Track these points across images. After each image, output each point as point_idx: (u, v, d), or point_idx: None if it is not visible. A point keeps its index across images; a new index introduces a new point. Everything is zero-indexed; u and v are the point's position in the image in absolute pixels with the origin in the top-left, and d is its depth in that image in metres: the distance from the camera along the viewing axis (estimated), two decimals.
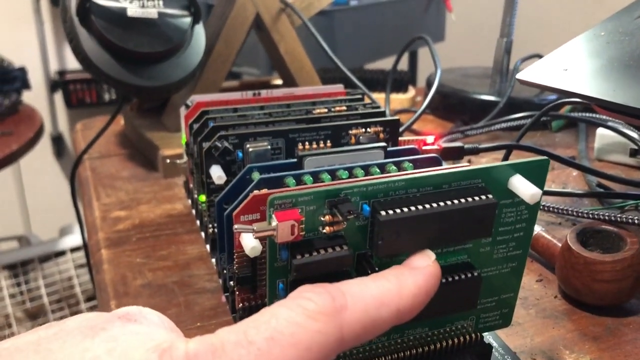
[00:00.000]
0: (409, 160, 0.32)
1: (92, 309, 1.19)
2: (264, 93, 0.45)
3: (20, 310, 1.13)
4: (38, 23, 1.69)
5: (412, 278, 0.22)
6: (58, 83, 1.74)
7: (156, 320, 0.20)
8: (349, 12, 0.99)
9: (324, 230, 0.23)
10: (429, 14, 1.19)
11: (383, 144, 0.34)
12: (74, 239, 1.25)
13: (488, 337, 0.30)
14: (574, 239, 0.34)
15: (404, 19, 1.13)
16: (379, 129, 0.38)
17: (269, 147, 0.36)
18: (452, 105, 0.68)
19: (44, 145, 1.76)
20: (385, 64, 1.01)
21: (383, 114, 0.40)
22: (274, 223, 0.22)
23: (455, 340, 0.28)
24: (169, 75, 0.50)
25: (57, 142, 1.85)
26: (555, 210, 0.42)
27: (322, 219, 0.23)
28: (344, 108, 0.41)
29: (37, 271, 1.16)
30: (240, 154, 0.36)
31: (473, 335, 0.28)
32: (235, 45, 0.56)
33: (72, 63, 1.79)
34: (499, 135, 0.63)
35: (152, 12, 0.49)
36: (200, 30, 0.52)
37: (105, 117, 0.70)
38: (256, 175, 0.32)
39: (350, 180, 0.28)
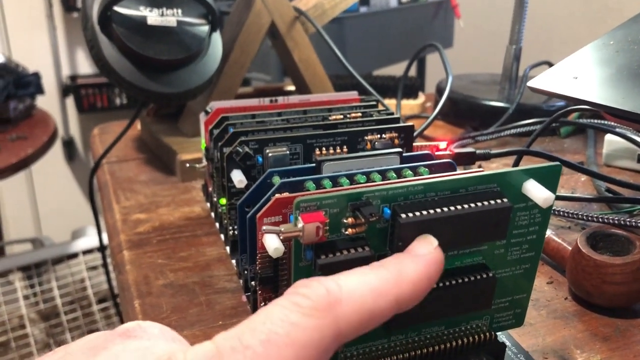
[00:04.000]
0: (425, 166, 0.33)
1: (104, 310, 1.20)
2: (281, 100, 0.46)
3: (34, 311, 1.14)
4: (51, 29, 1.72)
5: (413, 266, 0.22)
6: (70, 88, 1.77)
7: (156, 332, 0.21)
8: (359, 19, 1.00)
9: (347, 232, 0.24)
10: (437, 21, 1.20)
11: (399, 149, 0.35)
12: (87, 241, 1.26)
13: (501, 336, 0.31)
14: (584, 242, 0.35)
15: (412, 25, 1.15)
16: (394, 134, 0.40)
17: (288, 152, 0.37)
18: (462, 111, 0.69)
19: (56, 150, 1.78)
20: (393, 70, 1.02)
21: (398, 120, 0.41)
22: (300, 225, 0.23)
23: (470, 339, 0.29)
24: (187, 82, 0.51)
25: (69, 146, 1.87)
26: (566, 214, 0.43)
27: (345, 221, 0.24)
28: (359, 114, 0.42)
29: (50, 273, 1.18)
30: (260, 159, 0.37)
31: (487, 334, 0.29)
32: (250, 53, 0.57)
33: (84, 68, 1.82)
34: (509, 141, 0.64)
35: (171, 21, 0.50)
36: (217, 38, 0.54)
37: (121, 122, 0.71)
38: (277, 180, 0.33)
39: (370, 184, 0.29)
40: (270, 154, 0.37)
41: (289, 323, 0.18)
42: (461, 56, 1.25)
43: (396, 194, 0.25)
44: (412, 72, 1.40)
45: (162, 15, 0.50)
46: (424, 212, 0.24)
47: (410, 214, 0.24)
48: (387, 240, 0.25)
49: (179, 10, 0.51)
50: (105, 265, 0.78)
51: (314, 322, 0.18)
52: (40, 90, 1.22)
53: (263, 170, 0.37)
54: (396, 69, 1.04)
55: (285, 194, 0.30)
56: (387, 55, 1.08)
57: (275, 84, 0.77)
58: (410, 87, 0.73)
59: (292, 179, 0.31)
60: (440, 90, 0.73)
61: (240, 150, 0.36)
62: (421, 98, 0.75)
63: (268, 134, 0.38)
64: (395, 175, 0.32)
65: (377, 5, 1.03)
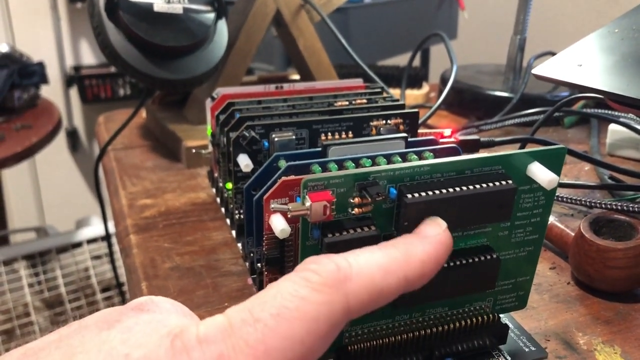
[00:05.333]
0: (430, 150, 0.33)
1: (107, 299, 1.21)
2: (286, 86, 0.46)
3: (39, 300, 1.15)
4: (55, 19, 1.72)
5: (422, 246, 0.22)
6: (73, 78, 1.77)
7: (168, 307, 0.21)
8: (364, 9, 1.00)
9: (353, 212, 0.25)
10: (441, 12, 1.20)
11: (404, 134, 0.35)
12: (91, 230, 1.27)
13: (504, 318, 0.31)
14: (587, 228, 0.36)
15: (416, 16, 1.15)
16: (399, 120, 0.40)
17: (294, 137, 0.37)
18: (467, 101, 0.70)
19: (59, 140, 1.79)
20: (397, 61, 1.02)
21: (403, 106, 0.41)
22: (308, 203, 0.23)
23: (474, 320, 0.29)
24: (193, 69, 0.51)
25: (72, 136, 1.87)
26: (569, 200, 0.43)
27: (352, 200, 0.24)
28: (365, 101, 0.43)
29: (54, 262, 1.19)
30: (267, 144, 0.38)
31: (490, 315, 0.30)
32: (255, 41, 0.57)
33: (88, 58, 1.82)
34: (513, 130, 0.64)
35: (177, 8, 0.50)
36: (223, 26, 0.54)
37: (126, 110, 0.71)
38: (283, 163, 0.34)
39: (378, 167, 0.29)
40: (276, 139, 0.37)
41: (299, 297, 0.18)
42: (465, 47, 1.25)
43: (402, 174, 0.25)
44: (416, 62, 1.40)
45: (169, 2, 0.50)
46: (430, 193, 0.25)
47: (416, 194, 0.24)
48: (393, 220, 0.26)
49: None
50: (110, 253, 0.78)
51: (323, 297, 0.19)
52: (44, 79, 1.22)
53: (269, 154, 0.38)
54: (400, 60, 1.04)
55: (292, 177, 0.31)
56: (391, 45, 1.08)
57: (279, 73, 0.77)
58: (415, 77, 0.74)
59: (298, 162, 0.31)
60: (444, 80, 0.73)
61: (247, 134, 0.37)
62: (425, 88, 0.75)
63: (274, 119, 0.39)
64: (400, 160, 0.32)
65: None
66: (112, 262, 0.74)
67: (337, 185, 0.24)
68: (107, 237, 0.79)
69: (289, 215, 0.24)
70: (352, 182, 0.24)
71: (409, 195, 0.24)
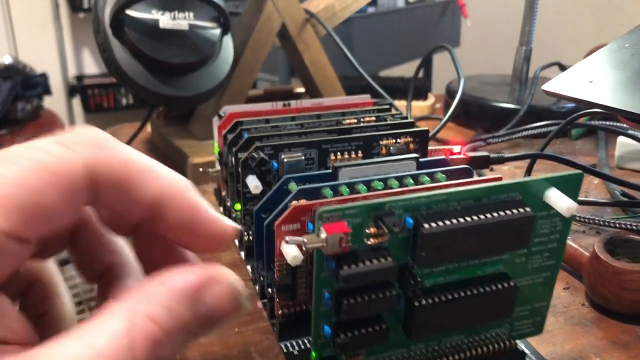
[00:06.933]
0: (442, 172, 0.33)
1: None
2: (294, 104, 0.46)
3: None
4: (57, 29, 1.72)
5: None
6: (76, 88, 1.77)
7: (74, 139, 0.19)
8: (367, 19, 1.00)
9: (369, 242, 0.24)
10: (444, 20, 1.20)
11: (415, 155, 0.35)
12: None
13: (520, 344, 0.31)
14: (602, 248, 0.35)
15: (419, 25, 1.14)
16: (409, 139, 0.39)
17: (303, 157, 0.37)
18: (473, 113, 0.69)
19: None
20: (399, 70, 1.02)
21: (412, 124, 0.41)
22: (323, 235, 0.23)
23: (490, 347, 0.29)
24: (199, 85, 0.51)
25: None
26: (582, 219, 0.43)
27: (367, 231, 0.24)
28: (373, 118, 0.42)
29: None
30: (276, 165, 0.37)
31: (507, 342, 0.29)
32: (261, 55, 0.57)
33: (90, 68, 1.82)
34: (520, 142, 0.63)
35: (183, 24, 0.50)
36: (228, 41, 0.53)
37: (131, 124, 0.71)
38: (293, 186, 0.33)
39: (391, 191, 0.29)
40: (285, 160, 0.37)
41: (40, 149, 0.17)
42: (469, 55, 1.24)
43: (419, 203, 0.24)
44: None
45: (174, 18, 0.50)
46: (447, 222, 0.24)
47: (433, 224, 0.24)
48: (408, 249, 0.25)
49: (191, 14, 0.51)
50: None
51: (65, 151, 0.17)
52: (47, 90, 1.22)
53: (278, 175, 0.37)
54: (403, 70, 1.03)
55: (303, 201, 0.30)
56: (395, 55, 1.08)
57: (284, 86, 0.77)
58: (420, 88, 0.73)
59: (308, 185, 0.31)
60: (450, 92, 0.72)
61: (256, 156, 0.36)
62: (431, 99, 0.75)
63: (283, 139, 0.38)
64: (412, 182, 0.32)
65: (384, 6, 1.03)
66: None
67: (353, 216, 0.24)
68: None
69: (304, 248, 0.23)
70: (367, 212, 0.24)
71: (426, 225, 0.24)
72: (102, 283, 0.22)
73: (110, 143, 0.18)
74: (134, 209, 0.19)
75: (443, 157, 0.36)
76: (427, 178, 0.32)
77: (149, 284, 0.18)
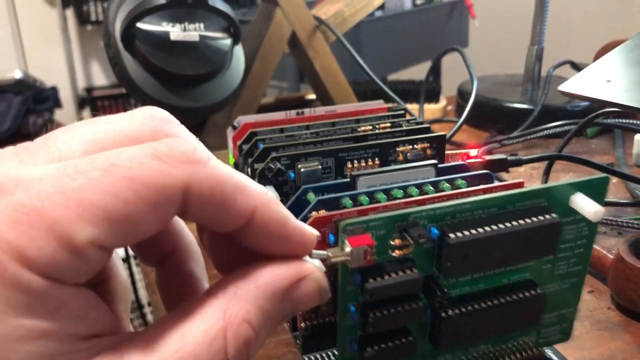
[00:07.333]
0: (462, 178, 0.32)
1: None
2: (307, 112, 0.46)
3: None
4: (66, 42, 1.73)
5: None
6: (86, 100, 1.78)
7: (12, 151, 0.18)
8: (374, 22, 1.00)
9: (394, 254, 0.24)
10: (452, 21, 1.20)
11: (434, 161, 0.35)
12: None
13: (548, 351, 0.30)
14: (627, 251, 0.34)
15: (427, 27, 1.14)
16: (426, 145, 0.39)
17: (320, 166, 0.37)
18: (486, 114, 0.69)
19: None
20: (407, 73, 1.02)
21: (428, 129, 0.40)
22: (348, 249, 0.22)
23: (517, 355, 0.28)
24: (212, 96, 0.51)
25: None
26: (605, 221, 0.42)
27: (392, 242, 0.24)
28: (389, 125, 0.42)
29: None
30: (292, 175, 0.37)
31: (535, 350, 0.29)
32: (272, 64, 0.57)
33: (99, 80, 1.83)
34: (535, 143, 0.63)
35: (193, 36, 0.50)
36: (239, 51, 0.53)
37: None
38: (311, 196, 0.33)
39: (411, 200, 0.28)
40: (302, 169, 0.36)
41: (136, 161, 0.16)
42: (477, 56, 1.24)
43: (443, 213, 0.24)
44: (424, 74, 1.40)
45: (185, 30, 0.50)
46: (473, 231, 0.24)
47: (459, 234, 0.24)
48: (433, 260, 0.25)
49: (201, 25, 0.50)
50: (131, 274, 0.78)
51: (162, 166, 0.16)
52: (58, 104, 1.22)
53: (295, 185, 0.37)
54: (409, 73, 1.03)
55: (323, 212, 0.30)
56: (403, 58, 1.07)
57: (296, 94, 0.77)
58: (431, 91, 0.73)
59: (327, 195, 0.31)
60: (462, 93, 0.72)
61: (273, 166, 0.36)
62: (442, 102, 0.74)
63: (299, 149, 0.38)
64: (432, 189, 0.31)
65: (391, 9, 1.03)
66: (133, 283, 0.73)
67: (377, 228, 0.23)
68: (127, 259, 0.79)
69: (328, 262, 0.23)
70: (392, 224, 0.23)
71: (452, 235, 0.23)
72: (163, 267, 0.23)
73: (205, 158, 0.18)
74: (223, 222, 0.19)
75: (462, 162, 0.36)
76: (447, 185, 0.32)
77: (241, 280, 0.19)
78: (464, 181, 0.32)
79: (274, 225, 0.20)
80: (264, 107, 0.62)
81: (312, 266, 0.20)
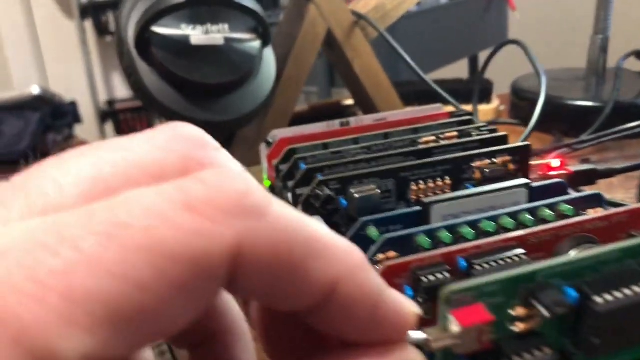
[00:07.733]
0: (564, 201, 0.25)
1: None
2: (353, 122, 0.39)
3: None
4: (85, 54, 1.69)
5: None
6: (108, 113, 1.74)
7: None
8: (410, 18, 0.92)
9: (514, 328, 0.17)
10: (490, 14, 1.12)
11: (526, 180, 0.27)
12: None
13: None
14: None
15: (465, 21, 1.06)
16: (507, 158, 0.32)
17: (378, 190, 0.30)
18: (547, 114, 0.61)
19: None
20: (446, 71, 0.94)
21: (506, 138, 0.33)
22: (456, 328, 0.15)
23: None
24: (240, 107, 0.44)
25: None
26: None
27: (512, 312, 0.17)
28: (455, 134, 0.35)
29: None
30: (344, 201, 0.30)
31: None
32: (306, 67, 0.50)
33: (121, 92, 1.79)
34: (608, 146, 0.55)
35: (217, 39, 0.44)
36: (269, 54, 0.47)
37: None
38: (373, 232, 0.26)
39: (511, 236, 0.21)
40: (356, 195, 0.29)
41: (156, 214, 0.10)
42: (518, 50, 1.16)
43: (582, 266, 0.17)
44: (464, 72, 1.31)
45: (207, 32, 0.43)
46: (627, 292, 0.17)
47: (609, 297, 0.16)
48: (568, 332, 0.17)
49: (226, 26, 0.44)
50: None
51: (199, 224, 0.10)
52: (77, 119, 1.18)
53: (348, 215, 0.30)
54: (447, 71, 0.95)
55: (392, 255, 0.23)
56: (442, 55, 1.00)
57: (331, 100, 0.70)
58: (482, 91, 0.65)
59: (396, 233, 0.24)
60: (517, 91, 0.64)
61: (321, 193, 0.29)
62: (495, 102, 0.67)
63: (349, 169, 0.31)
64: (531, 218, 0.24)
65: (427, 3, 0.95)
66: None
67: (492, 295, 0.16)
68: None
69: (427, 349, 0.16)
70: (513, 288, 0.16)
71: (599, 299, 0.16)
72: (200, 352, 0.16)
73: (264, 203, 0.11)
74: (287, 300, 0.12)
75: (560, 180, 0.28)
76: (548, 212, 0.25)
77: None
78: (569, 206, 0.25)
79: (364, 304, 0.13)
80: (297, 116, 0.55)
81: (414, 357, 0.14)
